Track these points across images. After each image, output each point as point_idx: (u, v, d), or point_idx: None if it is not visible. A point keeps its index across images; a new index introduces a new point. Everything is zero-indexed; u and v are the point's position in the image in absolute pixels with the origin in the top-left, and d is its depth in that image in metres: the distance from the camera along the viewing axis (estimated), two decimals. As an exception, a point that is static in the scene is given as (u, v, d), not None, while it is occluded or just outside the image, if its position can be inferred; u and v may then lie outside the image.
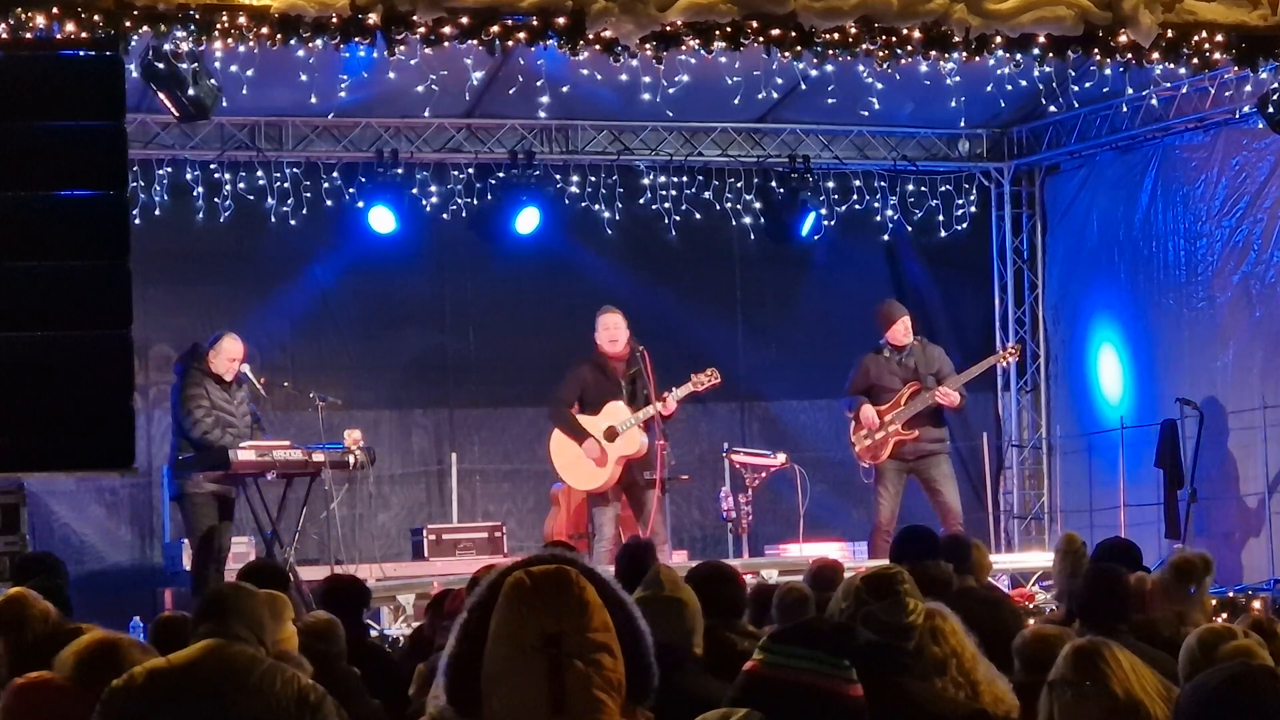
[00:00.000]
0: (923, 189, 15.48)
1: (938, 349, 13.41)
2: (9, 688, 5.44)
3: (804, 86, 13.32)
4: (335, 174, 14.19)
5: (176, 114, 10.97)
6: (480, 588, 3.00)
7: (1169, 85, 13.43)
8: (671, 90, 12.40)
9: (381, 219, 14.12)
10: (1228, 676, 3.96)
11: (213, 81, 10.90)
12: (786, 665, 3.57)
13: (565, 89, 12.56)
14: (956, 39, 11.00)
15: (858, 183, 15.37)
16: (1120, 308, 15.05)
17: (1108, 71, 12.10)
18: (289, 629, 5.90)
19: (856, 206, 15.39)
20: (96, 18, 9.54)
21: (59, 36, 9.40)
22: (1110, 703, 4.06)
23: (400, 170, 14.16)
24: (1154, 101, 13.84)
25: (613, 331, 12.39)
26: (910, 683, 4.63)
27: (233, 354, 11.87)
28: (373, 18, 10.15)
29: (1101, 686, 4.08)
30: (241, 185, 14.01)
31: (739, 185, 15.15)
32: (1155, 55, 11.37)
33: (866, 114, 13.87)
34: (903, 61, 11.30)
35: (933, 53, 11.13)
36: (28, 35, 9.38)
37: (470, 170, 14.51)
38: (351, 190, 14.18)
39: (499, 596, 2.93)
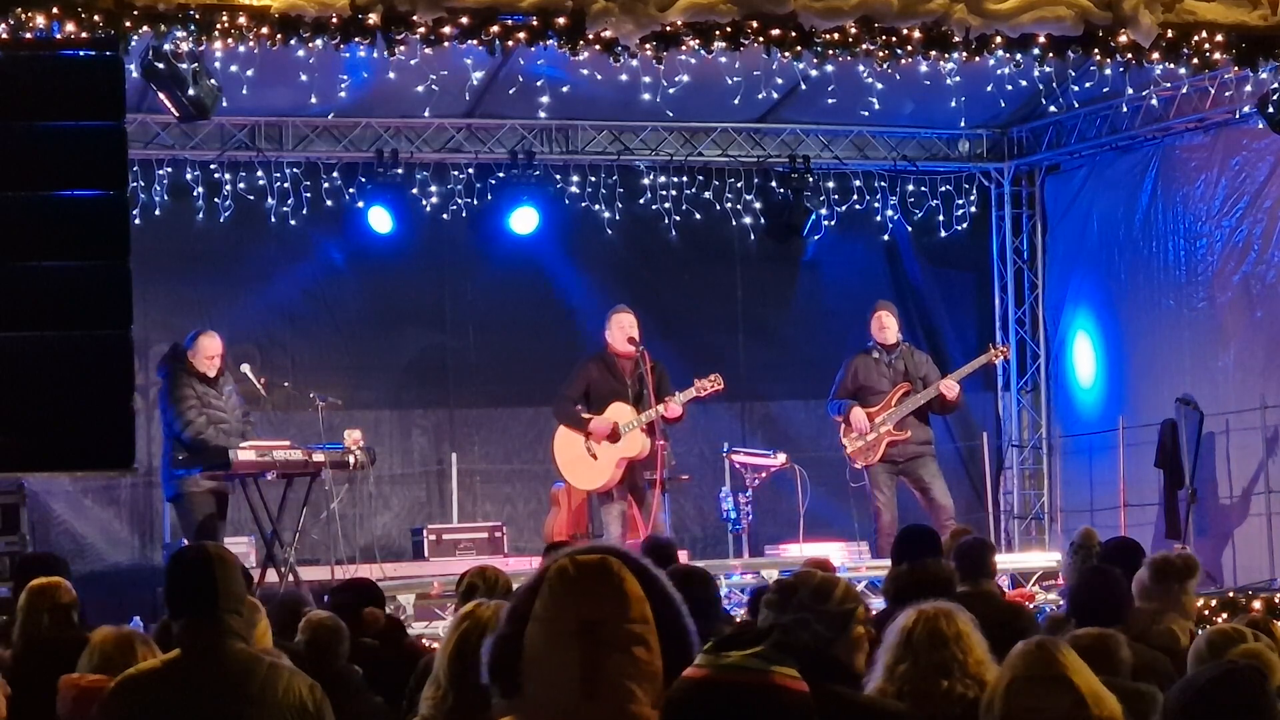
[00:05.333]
0: (923, 189, 15.49)
1: (924, 354, 13.51)
2: (69, 685, 5.44)
3: (804, 86, 13.33)
4: (335, 174, 14.19)
5: (176, 114, 10.97)
6: (531, 574, 3.07)
7: (1169, 85, 13.43)
8: (671, 90, 12.41)
9: (380, 219, 14.13)
10: (1215, 675, 3.98)
11: (213, 81, 10.90)
12: (732, 667, 3.59)
13: (565, 89, 12.56)
14: (956, 39, 11.01)
15: (858, 183, 15.37)
16: (1120, 308, 15.05)
17: (1108, 71, 12.11)
18: (262, 626, 5.90)
19: (856, 206, 15.40)
20: (96, 18, 9.54)
21: (59, 36, 9.41)
22: (1070, 696, 4.08)
23: (400, 170, 14.16)
24: (1154, 101, 13.84)
25: (629, 330, 12.40)
26: (839, 689, 4.59)
27: (210, 351, 11.89)
28: (373, 18, 10.16)
29: (1064, 681, 4.10)
30: (241, 185, 14.01)
31: (739, 185, 15.15)
32: (1155, 55, 11.38)
33: (866, 114, 13.88)
34: (903, 61, 11.31)
35: (933, 53, 11.14)
36: (28, 35, 9.38)
37: (470, 170, 14.51)
38: (351, 190, 14.18)
39: (543, 582, 2.99)
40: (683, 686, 3.21)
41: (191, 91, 10.68)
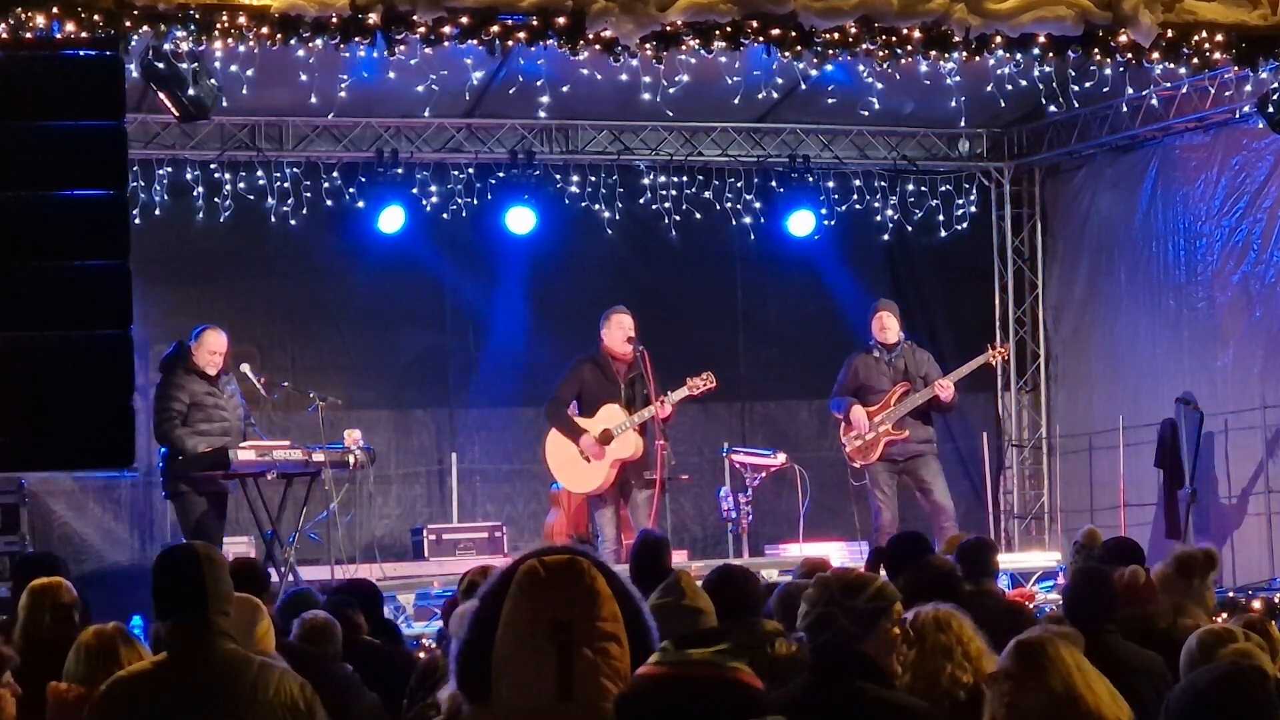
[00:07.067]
0: (923, 189, 15.49)
1: (926, 353, 13.48)
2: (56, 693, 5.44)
3: (804, 86, 13.33)
4: (335, 174, 14.20)
5: (176, 114, 10.97)
6: (493, 577, 3.06)
7: (1169, 85, 13.42)
8: (671, 90, 12.40)
9: (391, 219, 14.13)
10: (1218, 675, 3.98)
11: (213, 81, 10.90)
12: (696, 663, 3.62)
13: (565, 89, 12.57)
14: (956, 39, 11.01)
15: (858, 182, 15.37)
16: (1120, 308, 15.05)
17: (1108, 71, 12.09)
18: (264, 626, 5.90)
19: (856, 206, 15.40)
20: (96, 18, 9.55)
21: (59, 36, 9.41)
22: (1047, 696, 4.09)
23: (400, 170, 14.18)
24: (1154, 101, 13.84)
25: (628, 330, 12.39)
26: (865, 685, 4.60)
27: (214, 347, 11.86)
28: (373, 18, 10.16)
29: (1039, 681, 4.11)
30: (241, 185, 14.02)
31: (739, 185, 15.16)
32: (1155, 55, 11.38)
33: (866, 114, 13.88)
34: (903, 61, 11.31)
35: (933, 53, 11.13)
36: (28, 35, 9.39)
37: (470, 170, 14.52)
38: (351, 190, 14.19)
39: (511, 585, 2.96)
40: (640, 684, 3.22)
41: (191, 91, 10.67)
